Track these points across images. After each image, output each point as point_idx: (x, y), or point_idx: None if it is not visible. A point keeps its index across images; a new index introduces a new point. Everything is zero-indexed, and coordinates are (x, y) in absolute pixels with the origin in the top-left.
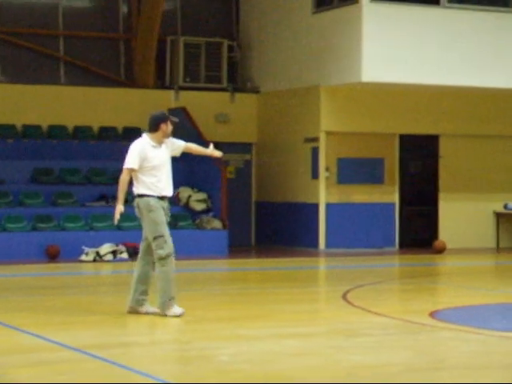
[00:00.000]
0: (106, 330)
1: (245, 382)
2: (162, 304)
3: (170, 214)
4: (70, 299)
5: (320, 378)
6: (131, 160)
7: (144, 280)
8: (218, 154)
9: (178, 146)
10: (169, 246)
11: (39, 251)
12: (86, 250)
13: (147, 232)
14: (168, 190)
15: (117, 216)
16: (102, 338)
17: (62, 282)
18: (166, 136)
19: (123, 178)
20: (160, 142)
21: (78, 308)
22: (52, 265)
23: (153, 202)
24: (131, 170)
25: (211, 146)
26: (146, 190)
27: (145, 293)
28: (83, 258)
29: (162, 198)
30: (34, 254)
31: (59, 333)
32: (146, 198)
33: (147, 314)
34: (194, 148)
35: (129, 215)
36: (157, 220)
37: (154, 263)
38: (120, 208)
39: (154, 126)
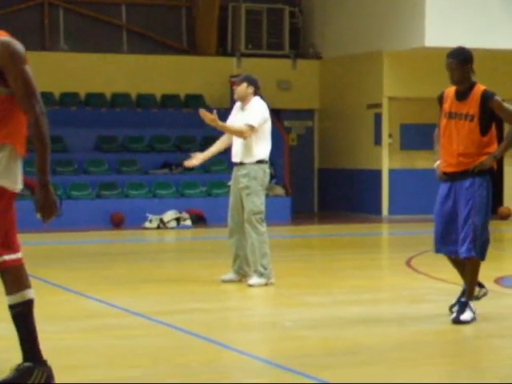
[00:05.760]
0: (170, 296)
1: (308, 348)
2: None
3: (242, 181)
4: (134, 266)
5: (383, 345)
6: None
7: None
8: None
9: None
10: (228, 218)
11: (104, 218)
12: (150, 217)
13: None
14: (235, 157)
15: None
16: (166, 305)
17: (126, 249)
18: (236, 97)
19: None
20: (242, 106)
21: (143, 274)
22: (116, 232)
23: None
24: None
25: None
26: None
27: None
28: (147, 225)
29: (234, 164)
30: (98, 222)
31: (124, 299)
32: None
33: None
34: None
35: (192, 182)
36: None
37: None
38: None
39: None
